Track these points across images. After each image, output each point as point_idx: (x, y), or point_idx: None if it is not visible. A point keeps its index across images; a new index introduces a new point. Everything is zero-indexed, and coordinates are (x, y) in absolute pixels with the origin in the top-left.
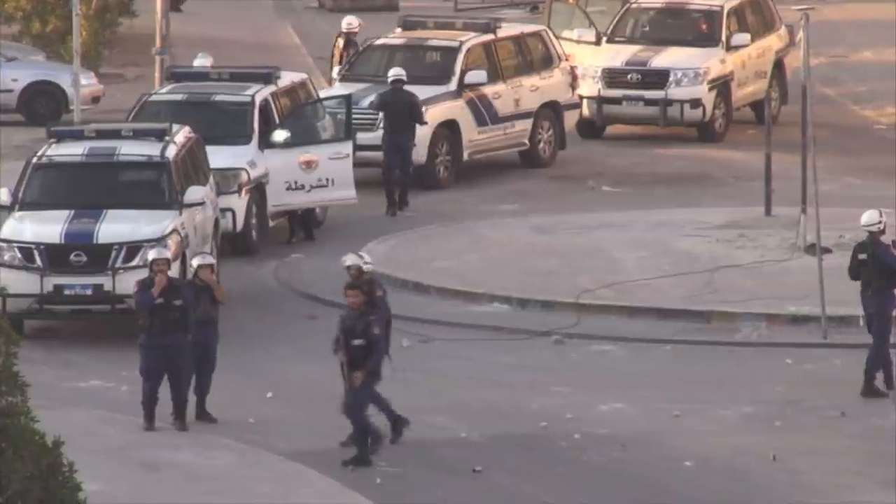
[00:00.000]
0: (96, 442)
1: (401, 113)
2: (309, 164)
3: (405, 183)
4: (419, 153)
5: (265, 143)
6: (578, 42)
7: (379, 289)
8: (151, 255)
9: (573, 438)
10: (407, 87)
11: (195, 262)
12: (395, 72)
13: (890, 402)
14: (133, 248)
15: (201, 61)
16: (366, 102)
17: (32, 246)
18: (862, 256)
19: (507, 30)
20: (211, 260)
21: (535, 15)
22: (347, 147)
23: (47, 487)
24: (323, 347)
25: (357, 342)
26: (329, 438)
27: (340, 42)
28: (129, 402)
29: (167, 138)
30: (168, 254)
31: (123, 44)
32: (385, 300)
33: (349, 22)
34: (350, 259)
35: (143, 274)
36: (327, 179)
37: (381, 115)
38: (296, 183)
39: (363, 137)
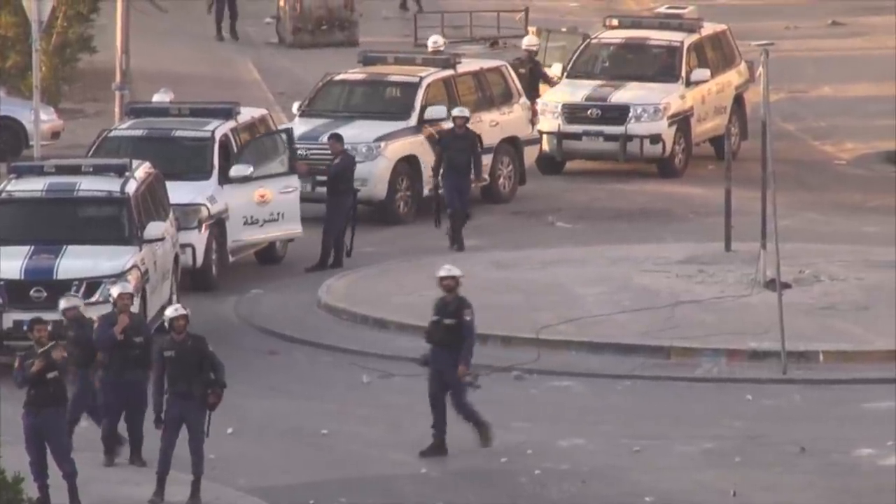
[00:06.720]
0: (56, 477)
1: (462, 151)
2: (263, 199)
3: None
4: (379, 189)
5: (225, 178)
6: None
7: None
8: (116, 290)
9: (533, 474)
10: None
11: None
12: (460, 110)
13: (851, 438)
14: (93, 283)
15: (161, 97)
16: (324, 138)
17: None
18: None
19: (466, 65)
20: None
21: (495, 50)
22: (294, 181)
23: None
24: (283, 383)
25: None
26: (289, 475)
27: None
28: (89, 437)
29: (127, 174)
30: (131, 289)
31: (83, 79)
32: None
33: (434, 41)
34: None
35: (104, 310)
36: (278, 214)
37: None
38: (251, 218)
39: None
